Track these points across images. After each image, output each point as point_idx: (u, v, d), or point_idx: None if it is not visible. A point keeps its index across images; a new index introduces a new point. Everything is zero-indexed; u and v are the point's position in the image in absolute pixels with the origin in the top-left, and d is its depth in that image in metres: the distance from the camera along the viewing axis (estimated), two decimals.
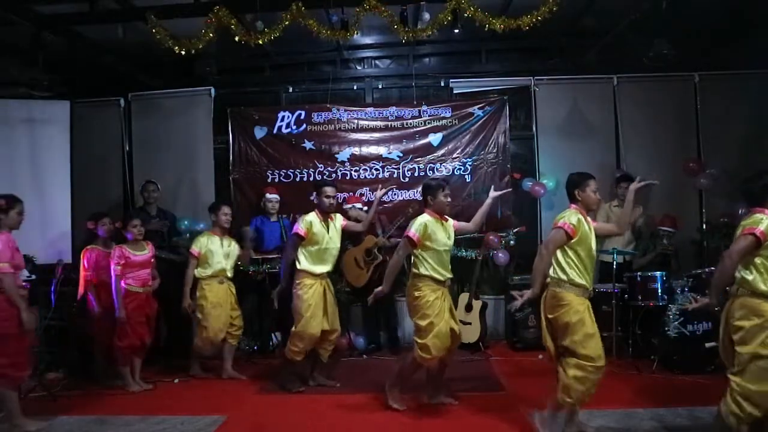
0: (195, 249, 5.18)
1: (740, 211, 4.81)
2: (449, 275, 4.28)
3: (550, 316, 3.61)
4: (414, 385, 4.49)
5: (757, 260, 3.08)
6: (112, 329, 4.85)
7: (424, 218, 4.21)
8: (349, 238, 6.10)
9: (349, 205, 6.29)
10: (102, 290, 5.03)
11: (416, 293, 4.19)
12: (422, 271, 4.19)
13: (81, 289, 5.11)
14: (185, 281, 5.21)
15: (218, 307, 5.15)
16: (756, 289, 3.06)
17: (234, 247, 5.38)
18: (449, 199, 4.30)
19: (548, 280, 3.64)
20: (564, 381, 3.47)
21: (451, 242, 4.30)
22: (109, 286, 4.87)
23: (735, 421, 3.03)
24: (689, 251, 6.40)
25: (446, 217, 4.35)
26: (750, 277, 3.09)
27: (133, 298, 4.86)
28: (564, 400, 3.48)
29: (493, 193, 4.49)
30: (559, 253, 3.60)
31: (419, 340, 4.15)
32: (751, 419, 3.02)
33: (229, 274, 5.32)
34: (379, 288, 4.31)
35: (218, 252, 5.21)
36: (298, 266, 4.72)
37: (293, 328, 4.70)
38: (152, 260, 5.07)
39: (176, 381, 5.21)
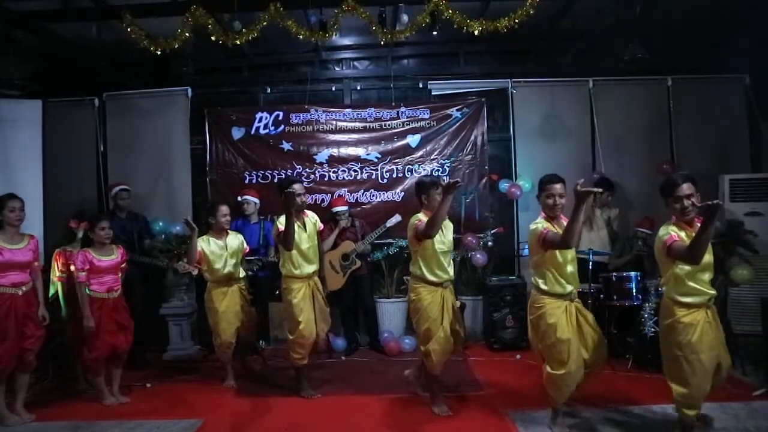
0: None
1: None
2: (446, 276, 4.19)
3: (531, 317, 3.73)
4: (390, 382, 4.49)
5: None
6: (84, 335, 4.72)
7: (421, 216, 4.12)
8: None
9: (335, 209, 6.26)
10: (72, 294, 4.87)
11: (413, 295, 4.19)
12: (418, 272, 4.17)
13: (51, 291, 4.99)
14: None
15: (227, 312, 4.94)
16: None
17: (241, 245, 5.13)
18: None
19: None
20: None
21: (449, 242, 4.23)
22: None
23: None
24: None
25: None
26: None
27: (99, 305, 4.59)
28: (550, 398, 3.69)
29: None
30: (537, 261, 3.66)
31: (422, 348, 4.17)
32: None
33: (238, 274, 5.07)
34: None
35: (220, 254, 4.97)
36: (283, 271, 4.62)
37: (289, 336, 4.61)
38: (122, 265, 4.80)
39: (148, 386, 5.12)
